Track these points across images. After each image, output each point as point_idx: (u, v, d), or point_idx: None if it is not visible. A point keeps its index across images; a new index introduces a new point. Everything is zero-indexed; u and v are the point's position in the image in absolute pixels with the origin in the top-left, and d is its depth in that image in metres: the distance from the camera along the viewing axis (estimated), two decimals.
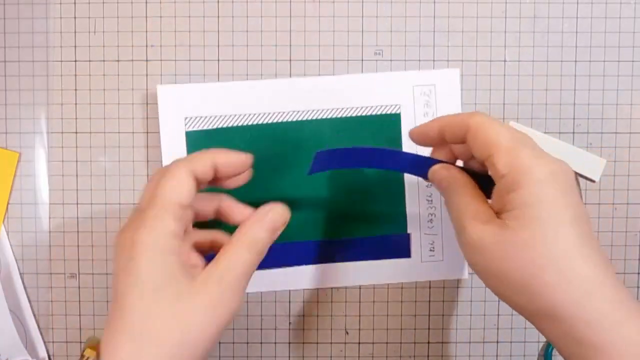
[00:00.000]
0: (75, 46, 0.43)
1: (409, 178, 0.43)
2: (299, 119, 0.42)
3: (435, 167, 0.33)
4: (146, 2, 0.43)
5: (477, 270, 0.30)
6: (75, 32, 0.43)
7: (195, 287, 0.29)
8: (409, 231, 0.43)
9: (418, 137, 0.34)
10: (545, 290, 0.27)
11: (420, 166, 0.34)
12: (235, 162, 0.33)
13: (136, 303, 0.29)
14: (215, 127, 0.42)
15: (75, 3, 0.43)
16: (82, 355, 0.30)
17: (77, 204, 0.43)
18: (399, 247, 0.43)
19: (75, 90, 0.43)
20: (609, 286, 0.27)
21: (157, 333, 0.28)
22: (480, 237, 0.29)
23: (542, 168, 0.28)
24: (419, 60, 0.43)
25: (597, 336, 0.26)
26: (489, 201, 0.31)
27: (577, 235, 0.27)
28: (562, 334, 0.27)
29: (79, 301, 0.44)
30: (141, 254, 0.29)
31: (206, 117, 0.42)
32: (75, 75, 0.43)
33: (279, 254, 0.43)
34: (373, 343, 0.44)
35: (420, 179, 0.38)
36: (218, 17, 0.43)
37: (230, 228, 0.34)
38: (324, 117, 0.42)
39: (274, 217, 0.33)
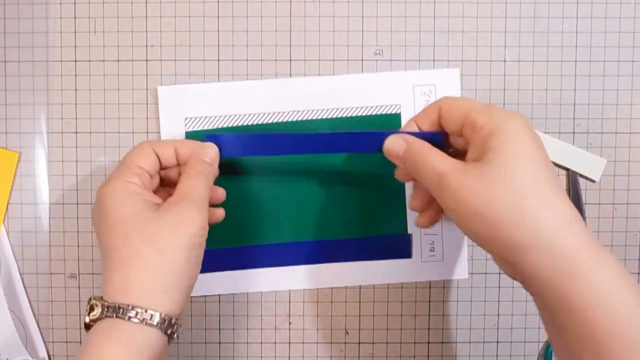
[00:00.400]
0: (75, 46, 0.43)
1: None
2: (299, 119, 0.42)
3: (392, 137, 0.36)
4: (146, 2, 0.43)
5: (459, 215, 0.31)
6: (75, 32, 0.43)
7: (160, 212, 0.34)
8: (409, 231, 0.43)
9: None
10: (527, 217, 0.28)
11: (372, 142, 0.36)
12: (193, 146, 0.38)
13: (113, 241, 0.33)
14: (215, 127, 0.42)
15: (75, 3, 0.43)
16: (89, 300, 0.33)
17: (77, 204, 0.43)
18: (400, 248, 0.43)
19: (75, 90, 0.43)
20: (581, 221, 0.29)
21: (137, 259, 0.32)
22: (462, 182, 0.30)
23: (517, 119, 0.31)
24: (419, 60, 0.43)
25: (579, 262, 0.27)
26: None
27: (550, 178, 0.29)
28: (541, 265, 0.28)
29: (79, 301, 0.44)
30: (107, 201, 0.34)
31: (206, 117, 0.42)
32: (75, 75, 0.43)
33: (279, 254, 0.43)
34: (373, 343, 0.44)
35: None
36: (218, 17, 0.43)
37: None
38: (324, 117, 0.42)
39: (208, 151, 0.37)
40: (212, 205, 0.39)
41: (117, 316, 0.31)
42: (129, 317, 0.31)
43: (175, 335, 0.33)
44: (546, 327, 0.31)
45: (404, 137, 0.35)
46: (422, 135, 0.36)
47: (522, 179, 0.29)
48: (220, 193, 0.40)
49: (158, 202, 0.35)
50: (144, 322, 0.31)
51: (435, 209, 0.37)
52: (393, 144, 0.36)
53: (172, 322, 0.32)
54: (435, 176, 0.32)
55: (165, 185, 0.39)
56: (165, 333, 0.32)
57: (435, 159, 0.33)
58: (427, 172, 0.33)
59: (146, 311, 0.31)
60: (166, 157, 0.37)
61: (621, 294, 0.27)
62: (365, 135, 0.37)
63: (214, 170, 0.37)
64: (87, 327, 0.33)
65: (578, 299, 0.27)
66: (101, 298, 0.33)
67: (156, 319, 0.32)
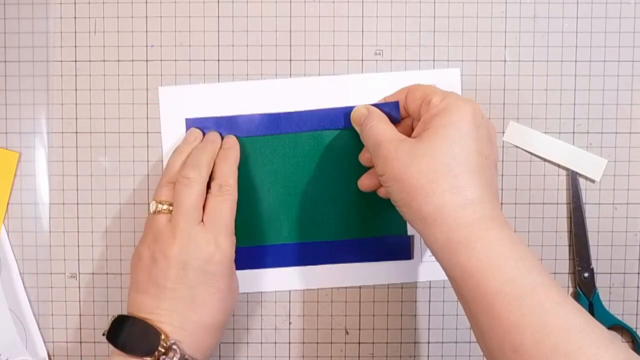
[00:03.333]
0: (75, 46, 0.43)
1: None
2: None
3: (357, 107, 0.40)
4: (146, 2, 0.43)
5: (385, 180, 0.35)
6: (75, 32, 0.43)
7: (230, 286, 0.39)
8: (409, 232, 0.43)
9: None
10: (437, 193, 0.32)
11: (344, 116, 0.42)
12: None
13: (211, 303, 0.37)
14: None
15: (75, 3, 0.43)
16: (165, 341, 0.35)
17: (77, 204, 0.43)
18: (400, 249, 0.43)
19: (76, 90, 0.43)
20: (488, 202, 0.32)
21: (221, 320, 0.38)
22: (394, 151, 0.34)
23: (467, 106, 0.34)
24: (419, 60, 0.43)
25: (466, 235, 0.31)
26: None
27: (475, 162, 0.33)
28: (439, 235, 0.32)
29: (79, 301, 0.44)
30: (216, 274, 0.37)
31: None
32: (76, 75, 0.43)
33: (280, 256, 0.43)
34: (373, 343, 0.44)
35: None
36: (218, 17, 0.43)
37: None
38: None
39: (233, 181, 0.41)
40: None
41: None
42: None
43: None
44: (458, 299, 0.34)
45: (366, 107, 0.39)
46: (378, 106, 0.40)
47: (443, 158, 0.32)
48: None
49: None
50: None
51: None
52: (357, 112, 0.40)
53: None
54: (376, 142, 0.36)
55: None
56: None
57: (382, 127, 0.36)
58: (371, 137, 0.36)
59: None
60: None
61: (506, 257, 0.30)
62: (337, 111, 0.42)
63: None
64: (143, 355, 0.35)
65: (469, 265, 0.31)
66: (176, 343, 0.35)
67: None
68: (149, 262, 0.37)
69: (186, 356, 0.35)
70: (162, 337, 0.35)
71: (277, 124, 0.42)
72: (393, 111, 0.39)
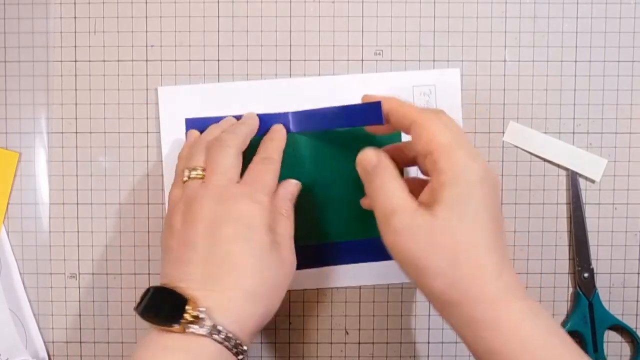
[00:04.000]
0: (75, 46, 0.43)
1: None
2: None
3: (365, 150, 0.35)
4: (146, 2, 0.43)
5: (400, 254, 0.32)
6: (75, 32, 0.43)
7: (275, 251, 0.35)
8: None
9: (366, 99, 0.37)
10: (460, 277, 0.30)
11: (342, 116, 0.39)
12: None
13: (249, 262, 0.33)
14: None
15: (75, 3, 0.43)
16: (194, 307, 0.32)
17: (77, 204, 0.43)
18: None
19: (76, 90, 0.43)
20: (507, 275, 0.31)
21: (262, 287, 0.33)
22: (410, 222, 0.31)
23: (475, 171, 0.31)
24: (419, 60, 0.43)
25: (492, 314, 0.30)
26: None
27: (490, 231, 0.31)
28: (464, 315, 0.31)
29: (79, 301, 0.44)
30: (255, 228, 0.34)
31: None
32: (76, 75, 0.43)
33: None
34: (373, 343, 0.44)
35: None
36: (218, 17, 0.43)
37: None
38: None
39: (291, 189, 0.39)
40: None
41: (224, 345, 0.31)
42: (236, 353, 0.32)
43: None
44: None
45: (377, 153, 0.35)
46: (358, 107, 0.37)
47: (462, 238, 0.31)
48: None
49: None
50: (238, 355, 0.32)
51: None
52: (364, 157, 0.35)
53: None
54: (387, 209, 0.32)
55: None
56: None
57: (393, 188, 0.33)
58: (381, 199, 0.33)
59: (245, 348, 0.32)
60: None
61: (531, 335, 0.30)
62: (338, 109, 0.39)
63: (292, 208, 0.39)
64: (166, 323, 0.31)
65: (495, 344, 0.30)
66: (206, 310, 0.31)
67: (243, 353, 0.32)
68: (181, 227, 0.34)
69: (219, 327, 0.31)
70: (189, 303, 0.31)
71: (277, 124, 0.42)
72: (376, 114, 0.35)
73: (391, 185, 0.33)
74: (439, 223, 0.31)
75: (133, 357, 0.31)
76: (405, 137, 0.41)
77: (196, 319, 0.31)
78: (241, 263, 0.33)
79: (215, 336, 0.31)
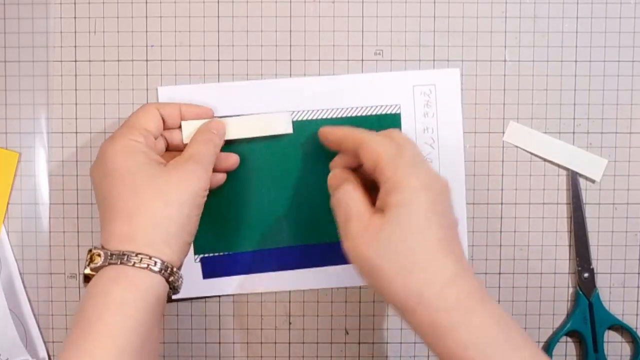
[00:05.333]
0: (75, 46, 0.43)
1: None
2: (299, 119, 0.42)
3: (335, 170, 0.38)
4: (146, 2, 0.43)
5: (355, 259, 0.33)
6: (75, 32, 0.43)
7: (168, 168, 0.36)
8: None
9: (322, 136, 0.39)
10: (413, 280, 0.31)
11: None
12: (197, 110, 0.41)
13: (118, 193, 0.35)
14: None
15: (75, 3, 0.43)
16: (89, 252, 0.35)
17: (77, 204, 0.43)
18: None
19: (76, 90, 0.43)
20: (463, 278, 0.32)
21: (144, 209, 0.34)
22: (364, 228, 0.33)
23: (417, 177, 0.33)
24: (419, 60, 0.43)
25: (450, 320, 0.31)
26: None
27: (441, 236, 0.32)
28: (423, 319, 0.31)
29: (79, 301, 0.44)
30: (114, 156, 0.35)
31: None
32: (76, 75, 0.43)
33: (280, 257, 0.43)
34: (373, 343, 0.44)
35: None
36: (218, 17, 0.43)
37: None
38: (324, 117, 0.42)
39: (216, 124, 0.40)
40: (224, 171, 0.41)
41: (121, 262, 0.33)
42: (134, 264, 0.33)
43: (176, 285, 0.35)
44: None
45: (342, 172, 0.37)
46: None
47: (411, 243, 0.32)
48: (234, 159, 0.41)
49: (162, 162, 0.37)
50: (148, 268, 0.33)
51: None
52: (333, 174, 0.38)
53: (173, 270, 0.34)
54: (343, 216, 0.34)
55: (170, 150, 0.40)
56: (167, 281, 0.34)
57: (350, 199, 0.35)
58: (339, 208, 0.35)
59: (150, 258, 0.33)
60: (171, 117, 0.39)
61: (494, 340, 0.31)
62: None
63: (221, 142, 0.40)
64: (87, 278, 0.34)
65: (457, 351, 0.31)
66: (102, 247, 0.34)
67: (158, 266, 0.34)
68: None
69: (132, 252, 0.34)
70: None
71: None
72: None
73: (350, 195, 0.35)
74: (389, 228, 0.32)
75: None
76: (404, 127, 0.41)
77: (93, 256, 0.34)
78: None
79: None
